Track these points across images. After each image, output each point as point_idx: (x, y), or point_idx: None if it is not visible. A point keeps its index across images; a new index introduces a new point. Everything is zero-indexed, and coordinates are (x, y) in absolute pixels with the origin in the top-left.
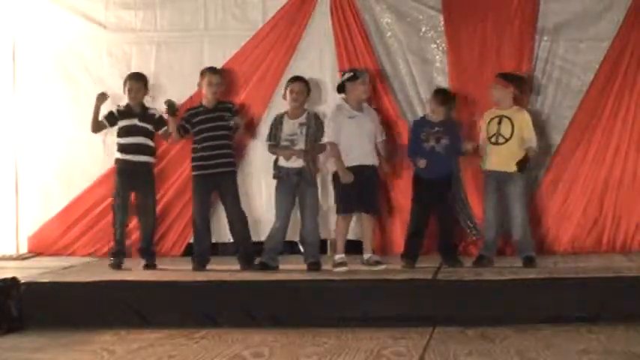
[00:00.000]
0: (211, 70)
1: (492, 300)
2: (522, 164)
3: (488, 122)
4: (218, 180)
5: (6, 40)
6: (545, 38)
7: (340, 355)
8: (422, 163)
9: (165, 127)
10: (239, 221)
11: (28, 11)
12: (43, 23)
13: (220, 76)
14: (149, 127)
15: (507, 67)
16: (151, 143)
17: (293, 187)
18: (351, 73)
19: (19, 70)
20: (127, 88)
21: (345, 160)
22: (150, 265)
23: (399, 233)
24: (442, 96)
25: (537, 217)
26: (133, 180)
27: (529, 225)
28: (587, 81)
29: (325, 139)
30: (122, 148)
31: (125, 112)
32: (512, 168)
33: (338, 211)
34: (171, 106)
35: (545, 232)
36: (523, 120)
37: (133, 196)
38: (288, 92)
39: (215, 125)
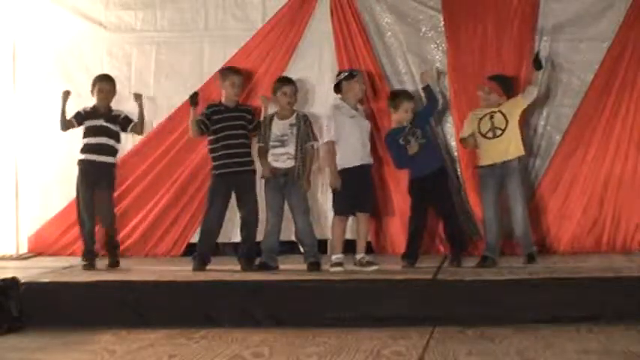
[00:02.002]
0: (233, 70)
1: (492, 300)
2: (536, 62)
3: (479, 121)
4: (238, 180)
5: (6, 40)
6: (545, 38)
7: (340, 355)
8: (413, 147)
9: (133, 123)
10: (252, 223)
11: (28, 11)
12: (43, 23)
13: (242, 77)
14: (115, 128)
15: (507, 67)
16: (115, 144)
17: (280, 186)
18: (347, 72)
19: (20, 70)
20: (96, 89)
21: (350, 160)
22: (113, 264)
23: (399, 233)
24: (407, 102)
25: (537, 217)
26: (95, 179)
27: (529, 221)
28: (587, 81)
29: (325, 139)
30: (86, 149)
31: (91, 113)
32: (512, 155)
33: (335, 212)
34: (194, 97)
35: (545, 232)
36: (512, 103)
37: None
38: (280, 94)
39: (236, 124)
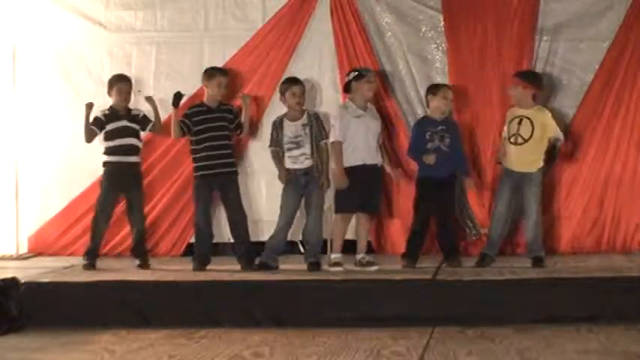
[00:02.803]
0: (220, 71)
1: (492, 300)
2: (549, 156)
3: (509, 122)
4: (221, 180)
5: (6, 41)
6: (545, 38)
7: (340, 355)
8: (430, 159)
9: (152, 122)
10: (240, 222)
11: (28, 12)
12: (43, 23)
13: (228, 77)
14: (136, 127)
15: (507, 67)
16: (138, 143)
17: (301, 187)
18: (356, 72)
19: (20, 70)
20: (115, 90)
21: (351, 159)
22: (144, 265)
23: (399, 233)
24: (446, 89)
25: None
26: (122, 181)
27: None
28: (587, 81)
29: (331, 139)
30: (112, 151)
31: (112, 115)
32: (531, 169)
33: (337, 211)
34: (177, 98)
35: (545, 232)
36: (545, 120)
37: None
38: (289, 95)
39: (218, 125)
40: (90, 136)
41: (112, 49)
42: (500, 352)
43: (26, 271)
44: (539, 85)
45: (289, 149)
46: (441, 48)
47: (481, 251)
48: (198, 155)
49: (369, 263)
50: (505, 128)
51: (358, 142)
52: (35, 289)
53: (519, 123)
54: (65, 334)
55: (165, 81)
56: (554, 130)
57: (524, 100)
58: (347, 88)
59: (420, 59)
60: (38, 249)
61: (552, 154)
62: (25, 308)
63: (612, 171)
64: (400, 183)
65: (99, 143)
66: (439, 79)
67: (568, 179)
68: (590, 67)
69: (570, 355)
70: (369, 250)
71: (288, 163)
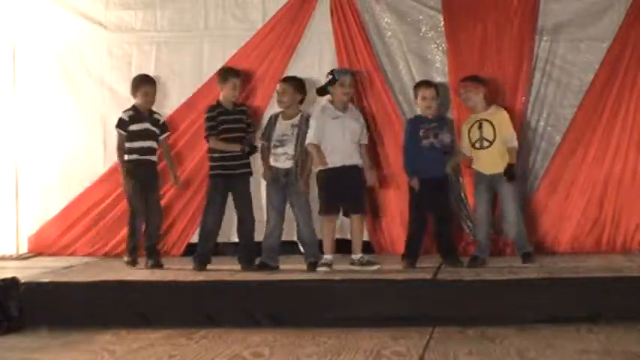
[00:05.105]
0: (234, 72)
1: (492, 300)
2: (510, 171)
3: (469, 129)
4: (235, 181)
5: (6, 41)
6: (545, 38)
7: (340, 355)
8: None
9: (168, 134)
10: (248, 222)
11: (28, 11)
12: (44, 23)
13: (241, 78)
14: (157, 130)
15: (507, 67)
16: (156, 146)
17: (282, 187)
18: (331, 76)
19: (20, 70)
20: (141, 92)
21: (330, 160)
22: (156, 265)
23: (399, 233)
24: (434, 88)
25: (537, 217)
26: (144, 180)
27: (523, 222)
28: (587, 81)
29: (307, 140)
30: (134, 151)
31: (135, 117)
32: (501, 167)
33: (321, 213)
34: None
35: (545, 232)
36: (502, 119)
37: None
38: (276, 92)
39: (235, 127)
40: (122, 149)
41: (112, 49)
42: (500, 352)
43: (26, 271)
44: (485, 83)
45: (275, 147)
46: (441, 48)
47: (473, 254)
48: (215, 155)
49: (370, 263)
50: (464, 137)
51: (336, 144)
52: (35, 289)
53: (480, 127)
54: (65, 334)
55: (166, 81)
56: (508, 131)
57: (479, 103)
58: (323, 91)
59: (420, 59)
60: (38, 249)
61: (511, 168)
62: (25, 308)
63: (612, 171)
64: (399, 182)
65: (102, 140)
66: (439, 79)
67: (568, 179)
68: (590, 67)
69: (570, 355)
70: (369, 250)
71: (272, 161)
